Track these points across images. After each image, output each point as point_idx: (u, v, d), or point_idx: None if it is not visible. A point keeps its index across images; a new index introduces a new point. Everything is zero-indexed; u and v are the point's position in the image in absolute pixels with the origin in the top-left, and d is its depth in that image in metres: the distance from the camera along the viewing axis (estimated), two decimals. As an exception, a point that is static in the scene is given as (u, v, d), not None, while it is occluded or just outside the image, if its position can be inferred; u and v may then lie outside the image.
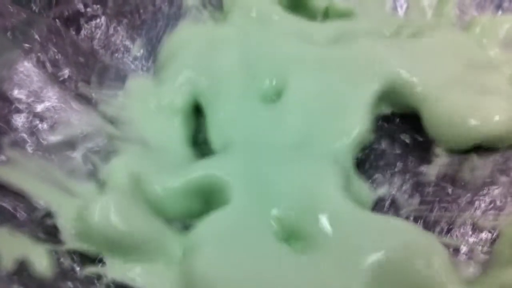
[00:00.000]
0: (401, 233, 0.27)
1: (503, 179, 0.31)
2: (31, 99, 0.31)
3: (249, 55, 0.35)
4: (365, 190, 0.31)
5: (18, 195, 0.28)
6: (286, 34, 0.36)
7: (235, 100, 0.33)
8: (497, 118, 0.31)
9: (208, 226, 0.28)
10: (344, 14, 0.39)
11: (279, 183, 0.29)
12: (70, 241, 0.28)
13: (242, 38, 0.36)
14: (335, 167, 0.29)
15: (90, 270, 0.27)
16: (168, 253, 0.28)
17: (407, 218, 0.30)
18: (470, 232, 0.30)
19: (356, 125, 0.31)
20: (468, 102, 0.31)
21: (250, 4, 0.37)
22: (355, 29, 0.37)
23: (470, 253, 0.29)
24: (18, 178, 0.28)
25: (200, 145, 0.34)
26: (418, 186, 0.31)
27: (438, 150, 0.32)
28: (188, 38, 0.36)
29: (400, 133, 0.33)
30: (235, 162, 0.30)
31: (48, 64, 0.33)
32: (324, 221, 0.27)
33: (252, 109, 0.33)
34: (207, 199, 0.30)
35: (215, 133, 0.32)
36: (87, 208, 0.27)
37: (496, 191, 0.31)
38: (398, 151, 0.33)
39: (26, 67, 0.32)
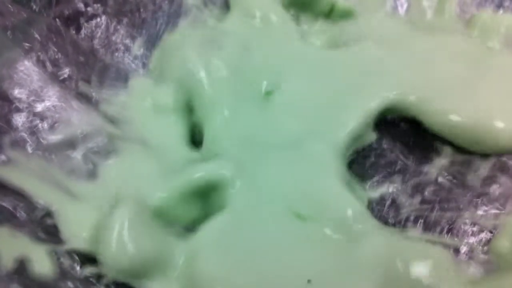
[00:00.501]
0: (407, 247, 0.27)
1: (504, 178, 0.31)
2: (31, 98, 0.31)
3: (247, 56, 0.34)
4: (360, 188, 0.32)
5: (18, 195, 0.28)
6: (286, 34, 0.36)
7: (232, 102, 0.33)
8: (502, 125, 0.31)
9: (209, 230, 0.28)
10: (346, 14, 0.39)
11: (281, 182, 0.29)
12: (70, 241, 0.28)
13: (240, 39, 0.35)
14: (336, 163, 0.30)
15: (90, 270, 0.27)
16: (170, 264, 0.28)
17: (407, 217, 0.30)
18: (471, 232, 0.30)
19: (352, 120, 0.31)
20: (473, 110, 0.31)
21: (252, 5, 0.37)
22: (353, 31, 0.37)
23: (471, 253, 0.29)
24: (18, 178, 0.29)
25: (199, 144, 0.33)
26: (419, 186, 0.31)
27: (438, 150, 0.32)
28: (185, 39, 0.36)
29: (401, 132, 0.33)
30: (233, 163, 0.30)
31: (48, 64, 0.33)
32: (334, 220, 0.28)
33: (249, 110, 0.33)
34: (206, 201, 0.30)
35: (209, 136, 0.32)
36: (103, 236, 0.27)
37: (496, 190, 0.31)
38: (398, 151, 0.33)
39: (26, 66, 0.32)
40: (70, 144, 0.31)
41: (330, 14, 0.39)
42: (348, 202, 0.28)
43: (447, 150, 0.32)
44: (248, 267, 0.27)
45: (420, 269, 0.26)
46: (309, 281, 0.26)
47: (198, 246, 0.27)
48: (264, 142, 0.31)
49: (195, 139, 0.34)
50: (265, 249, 0.27)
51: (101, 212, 0.29)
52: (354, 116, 0.31)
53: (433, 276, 0.25)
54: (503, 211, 0.30)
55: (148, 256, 0.27)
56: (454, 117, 0.31)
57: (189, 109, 0.34)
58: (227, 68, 0.34)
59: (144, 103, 0.34)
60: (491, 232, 0.29)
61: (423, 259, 0.26)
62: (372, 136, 0.33)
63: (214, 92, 0.33)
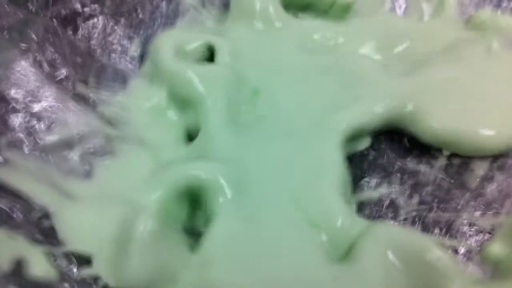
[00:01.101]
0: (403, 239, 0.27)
1: (502, 178, 0.31)
2: (28, 99, 0.31)
3: (238, 57, 0.35)
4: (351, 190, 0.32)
5: (15, 196, 0.28)
6: (286, 38, 0.36)
7: (223, 102, 0.33)
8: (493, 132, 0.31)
9: (217, 238, 0.28)
10: (345, 9, 0.38)
11: (281, 183, 0.29)
12: (67, 242, 0.27)
13: (231, 40, 0.36)
14: (332, 164, 0.30)
15: (87, 271, 0.27)
16: (180, 275, 0.27)
17: (405, 218, 0.30)
18: (469, 233, 0.30)
19: (348, 118, 0.31)
20: (466, 115, 0.31)
21: (252, 5, 0.37)
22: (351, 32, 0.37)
23: (469, 254, 0.29)
24: (15, 179, 0.28)
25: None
26: (417, 186, 0.31)
27: (436, 150, 0.32)
28: (165, 40, 0.36)
29: (399, 132, 0.33)
30: (228, 164, 0.30)
31: (45, 64, 0.33)
32: (328, 227, 0.28)
33: (243, 109, 0.33)
34: (196, 202, 0.30)
35: (204, 135, 0.32)
36: (123, 251, 0.27)
37: (494, 191, 0.31)
38: (397, 151, 0.33)
39: (23, 67, 0.32)
40: (67, 144, 0.31)
41: (329, 11, 0.38)
42: (339, 210, 0.28)
43: (445, 150, 0.32)
44: (260, 272, 0.27)
45: (421, 264, 0.26)
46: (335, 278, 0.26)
47: (208, 255, 0.27)
48: (259, 142, 0.31)
49: (193, 138, 0.34)
50: (276, 252, 0.27)
51: (99, 213, 0.29)
52: (350, 115, 0.31)
53: (436, 271, 0.26)
54: (501, 212, 0.30)
55: (163, 268, 0.27)
56: (451, 126, 0.31)
57: (184, 107, 0.34)
58: (220, 72, 0.34)
59: (141, 103, 0.34)
60: (489, 233, 0.29)
61: (424, 253, 0.26)
62: (366, 142, 0.33)
63: (200, 91, 0.33)
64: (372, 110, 0.32)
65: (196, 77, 0.33)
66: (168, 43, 0.35)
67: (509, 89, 0.33)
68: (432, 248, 0.26)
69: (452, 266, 0.25)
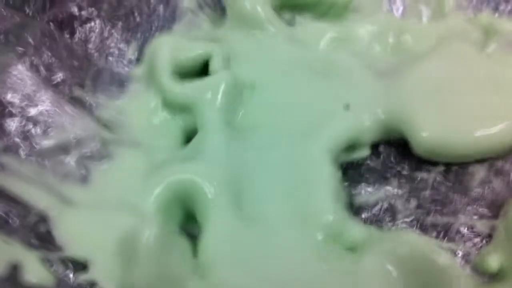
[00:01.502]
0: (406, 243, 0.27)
1: (500, 182, 0.31)
2: (25, 103, 0.31)
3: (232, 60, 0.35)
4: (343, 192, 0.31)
5: (11, 201, 0.28)
6: (282, 42, 0.36)
7: (220, 111, 0.33)
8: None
9: (213, 241, 0.28)
10: (342, 11, 0.38)
11: (276, 184, 0.30)
12: (64, 248, 0.27)
13: (226, 45, 0.36)
14: (327, 168, 0.30)
15: (84, 277, 0.27)
16: (184, 281, 0.27)
17: (403, 222, 0.30)
18: (467, 236, 0.29)
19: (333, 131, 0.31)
20: (457, 121, 0.31)
21: (246, 11, 0.37)
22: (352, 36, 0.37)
23: (467, 257, 0.29)
24: (11, 184, 0.28)
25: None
26: (415, 190, 0.31)
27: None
28: (161, 44, 0.36)
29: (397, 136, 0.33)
30: (216, 166, 0.30)
31: (41, 68, 0.33)
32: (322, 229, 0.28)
33: (237, 116, 0.33)
34: (188, 204, 0.30)
35: (199, 137, 0.32)
36: (129, 259, 0.26)
37: (492, 194, 0.31)
38: (395, 155, 0.33)
39: (20, 71, 0.32)
40: (64, 149, 0.31)
41: (327, 13, 0.38)
42: (332, 212, 0.28)
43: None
44: (261, 272, 0.27)
45: (426, 269, 0.26)
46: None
47: (208, 258, 0.27)
48: (254, 146, 0.31)
49: (191, 138, 0.34)
50: (274, 254, 0.27)
51: (96, 218, 0.29)
52: (337, 128, 0.31)
53: (442, 276, 0.26)
54: (499, 215, 0.30)
55: (169, 273, 0.27)
56: (441, 135, 0.31)
57: (181, 111, 0.34)
58: (210, 78, 0.34)
59: (138, 106, 0.34)
60: (487, 237, 0.29)
61: (431, 259, 0.26)
62: (365, 151, 0.33)
63: (197, 101, 0.33)
64: (361, 122, 0.32)
65: (193, 90, 0.33)
66: (165, 55, 0.34)
67: (504, 90, 0.32)
68: (440, 254, 0.26)
69: (459, 271, 0.26)
